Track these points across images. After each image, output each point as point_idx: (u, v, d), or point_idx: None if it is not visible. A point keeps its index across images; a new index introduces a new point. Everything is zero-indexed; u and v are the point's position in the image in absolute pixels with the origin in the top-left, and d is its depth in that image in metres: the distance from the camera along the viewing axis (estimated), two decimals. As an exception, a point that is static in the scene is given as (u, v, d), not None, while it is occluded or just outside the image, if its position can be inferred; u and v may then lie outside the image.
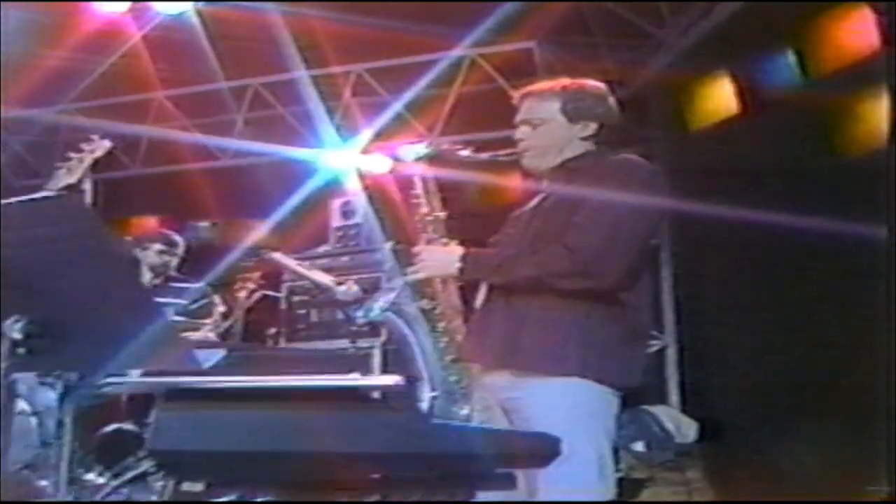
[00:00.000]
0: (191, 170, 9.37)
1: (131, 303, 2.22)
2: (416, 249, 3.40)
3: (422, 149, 3.47)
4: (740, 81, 6.88)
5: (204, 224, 10.39)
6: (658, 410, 7.25)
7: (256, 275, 6.26)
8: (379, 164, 8.38)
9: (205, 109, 9.19)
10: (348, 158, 8.67)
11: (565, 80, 3.38)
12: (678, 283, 8.11)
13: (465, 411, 3.38)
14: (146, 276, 6.35)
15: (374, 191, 7.74)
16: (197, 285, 6.37)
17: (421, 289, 3.43)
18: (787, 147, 6.39)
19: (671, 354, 8.10)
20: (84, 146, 4.28)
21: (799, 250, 6.20)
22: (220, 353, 2.34)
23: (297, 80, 8.43)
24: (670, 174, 7.04)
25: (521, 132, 3.37)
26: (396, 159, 7.80)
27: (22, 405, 4.43)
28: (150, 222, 9.85)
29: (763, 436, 6.64)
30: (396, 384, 2.26)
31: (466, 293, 3.44)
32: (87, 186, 4.75)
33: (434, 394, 3.39)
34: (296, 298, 6.94)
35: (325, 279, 4.79)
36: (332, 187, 8.52)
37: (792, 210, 5.73)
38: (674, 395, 7.97)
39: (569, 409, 3.02)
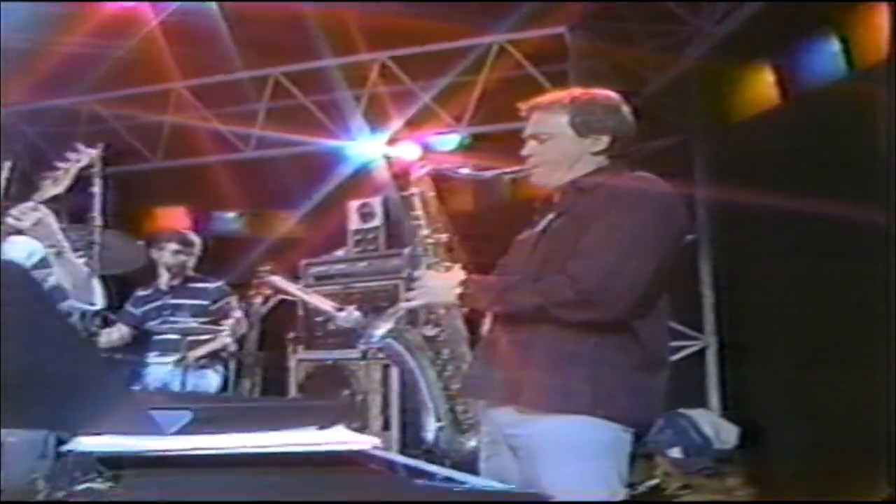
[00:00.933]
0: (213, 162, 9.20)
1: (77, 367, 2.08)
2: (415, 274, 3.23)
3: (454, 139, 3.28)
4: (781, 71, 6.72)
5: (230, 214, 10.40)
6: (696, 414, 7.08)
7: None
8: (407, 153, 8.16)
9: (225, 99, 9.04)
10: (374, 149, 8.47)
11: (575, 91, 3.15)
12: (718, 280, 7.90)
13: (471, 443, 3.26)
14: (163, 277, 6.28)
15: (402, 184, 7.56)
16: (215, 285, 6.30)
17: (424, 315, 3.30)
18: (830, 138, 6.15)
19: (711, 355, 7.90)
20: (70, 155, 4.18)
21: (845, 246, 6.05)
22: (187, 415, 2.18)
23: (320, 68, 8.30)
24: (709, 166, 7.05)
25: (529, 147, 3.14)
26: (427, 149, 7.69)
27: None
28: (173, 212, 9.80)
29: (807, 442, 6.46)
30: (374, 446, 2.10)
31: (473, 319, 3.26)
32: (97, 189, 4.66)
33: (440, 424, 3.28)
34: (312, 305, 6.82)
35: (325, 305, 4.64)
36: (358, 178, 8.39)
37: (838, 204, 5.57)
38: (713, 398, 7.78)
39: (578, 449, 2.83)
